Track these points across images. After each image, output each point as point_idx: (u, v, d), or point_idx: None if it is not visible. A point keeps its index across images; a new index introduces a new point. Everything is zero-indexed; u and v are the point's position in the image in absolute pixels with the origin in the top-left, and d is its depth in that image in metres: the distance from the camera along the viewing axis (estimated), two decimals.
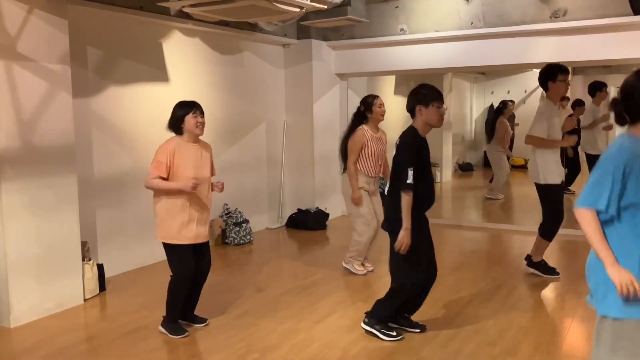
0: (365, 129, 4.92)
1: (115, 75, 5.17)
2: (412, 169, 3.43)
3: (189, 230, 3.77)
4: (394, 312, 3.76)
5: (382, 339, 3.68)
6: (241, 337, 3.79)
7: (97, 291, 4.66)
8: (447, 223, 7.54)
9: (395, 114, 10.21)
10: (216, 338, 3.78)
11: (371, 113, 4.93)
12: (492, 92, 13.59)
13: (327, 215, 7.24)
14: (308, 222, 7.06)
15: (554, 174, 4.80)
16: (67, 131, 4.29)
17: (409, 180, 3.42)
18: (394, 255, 3.61)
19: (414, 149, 3.51)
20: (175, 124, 3.81)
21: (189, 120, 3.76)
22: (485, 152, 9.94)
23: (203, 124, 3.82)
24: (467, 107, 13.72)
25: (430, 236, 3.74)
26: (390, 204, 3.60)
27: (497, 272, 5.19)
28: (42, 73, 4.08)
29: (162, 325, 3.89)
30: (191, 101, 3.86)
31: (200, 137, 3.88)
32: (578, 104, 8.89)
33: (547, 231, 4.89)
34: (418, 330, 3.81)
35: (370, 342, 3.68)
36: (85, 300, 4.50)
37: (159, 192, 3.79)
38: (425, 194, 3.58)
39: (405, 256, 3.53)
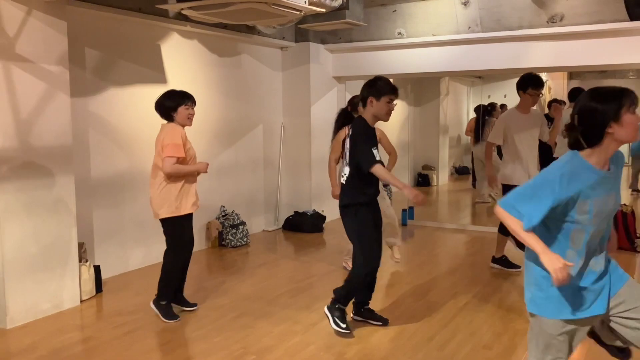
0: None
1: (113, 77, 5.17)
2: (375, 148, 3.60)
3: (188, 201, 4.02)
4: (352, 298, 3.93)
5: (332, 327, 3.81)
6: (237, 339, 3.79)
7: (94, 292, 4.65)
8: (443, 226, 7.56)
9: (392, 117, 10.23)
10: (212, 340, 3.79)
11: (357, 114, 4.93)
12: (489, 96, 13.63)
13: (323, 217, 7.25)
14: (305, 225, 7.07)
15: (510, 175, 4.96)
16: (64, 132, 4.29)
17: (377, 158, 3.57)
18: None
19: (368, 134, 3.66)
20: (166, 112, 3.91)
21: (182, 112, 3.92)
22: (472, 154, 9.97)
23: (193, 115, 4.04)
24: (464, 111, 13.75)
25: (372, 222, 3.77)
26: (344, 192, 3.77)
27: (493, 275, 5.21)
28: (40, 74, 4.08)
29: (156, 305, 4.06)
30: (183, 92, 4.00)
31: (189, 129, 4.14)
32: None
33: (504, 227, 5.02)
34: (380, 324, 3.95)
35: (367, 345, 3.70)
36: (81, 301, 4.50)
37: (172, 176, 3.95)
38: (368, 188, 3.72)
39: (356, 240, 3.73)
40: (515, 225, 2.13)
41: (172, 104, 3.94)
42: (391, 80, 3.88)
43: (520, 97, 4.96)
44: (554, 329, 2.20)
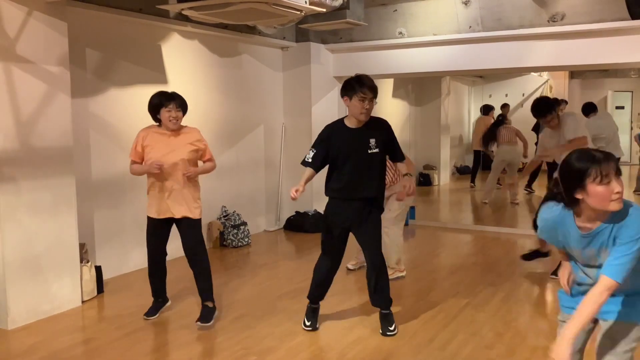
0: None
1: (114, 78, 5.17)
2: (313, 150, 3.71)
3: (152, 205, 4.03)
4: (314, 294, 4.02)
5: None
6: (238, 339, 3.79)
7: (95, 293, 4.66)
8: (444, 226, 7.55)
9: (393, 117, 10.24)
10: (213, 341, 3.78)
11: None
12: (490, 96, 13.65)
13: None
14: (306, 225, 7.06)
15: None
16: (65, 133, 4.29)
17: (307, 159, 3.73)
18: None
19: (321, 135, 3.75)
20: (152, 115, 3.95)
21: (163, 113, 3.89)
22: (488, 154, 9.87)
23: (177, 118, 3.90)
24: (465, 110, 13.77)
25: (340, 219, 3.78)
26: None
27: (494, 275, 5.21)
28: (41, 75, 4.08)
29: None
30: (168, 93, 3.94)
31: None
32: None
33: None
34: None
35: (368, 344, 3.69)
36: (83, 302, 4.50)
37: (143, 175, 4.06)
38: (335, 183, 3.77)
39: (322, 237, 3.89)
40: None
41: (155, 104, 3.91)
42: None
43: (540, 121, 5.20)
44: None
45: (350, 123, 3.71)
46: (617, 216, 2.05)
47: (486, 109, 11.01)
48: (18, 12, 3.92)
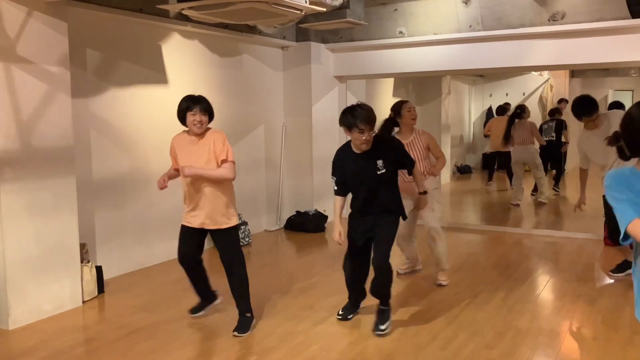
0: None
1: (115, 78, 5.17)
2: (334, 178, 3.90)
3: (186, 213, 3.91)
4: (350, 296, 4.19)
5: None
6: (239, 339, 3.79)
7: (96, 293, 4.66)
8: (445, 225, 7.54)
9: None
10: (214, 340, 3.78)
11: (401, 118, 4.86)
12: (491, 95, 13.63)
13: (325, 217, 7.24)
14: (306, 225, 7.06)
15: None
16: (66, 133, 4.29)
17: (334, 187, 3.92)
18: None
19: (334, 163, 3.91)
20: (180, 119, 3.83)
21: (188, 117, 3.76)
22: (506, 154, 9.60)
23: (201, 122, 3.73)
24: (466, 110, 13.75)
25: (359, 233, 3.91)
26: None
27: (495, 274, 5.20)
28: (42, 75, 4.08)
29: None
30: (194, 97, 3.80)
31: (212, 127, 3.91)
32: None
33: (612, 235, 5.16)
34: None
35: (369, 344, 3.69)
36: (83, 302, 4.50)
37: None
38: (354, 202, 3.93)
39: None
40: None
41: (182, 108, 3.78)
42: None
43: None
44: None
45: (356, 148, 3.80)
46: None
47: (502, 110, 10.65)
48: (18, 13, 3.92)
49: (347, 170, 3.84)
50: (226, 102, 6.50)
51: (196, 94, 3.89)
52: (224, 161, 3.76)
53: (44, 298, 4.19)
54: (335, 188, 3.92)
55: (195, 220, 3.84)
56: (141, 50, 5.43)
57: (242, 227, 6.40)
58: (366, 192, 3.81)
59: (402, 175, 4.65)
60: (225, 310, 4.31)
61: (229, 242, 3.93)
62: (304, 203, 7.38)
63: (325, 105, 7.48)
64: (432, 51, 6.75)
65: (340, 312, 4.15)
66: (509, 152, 8.95)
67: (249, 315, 3.96)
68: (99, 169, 5.05)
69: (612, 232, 5.11)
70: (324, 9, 4.74)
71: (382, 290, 3.90)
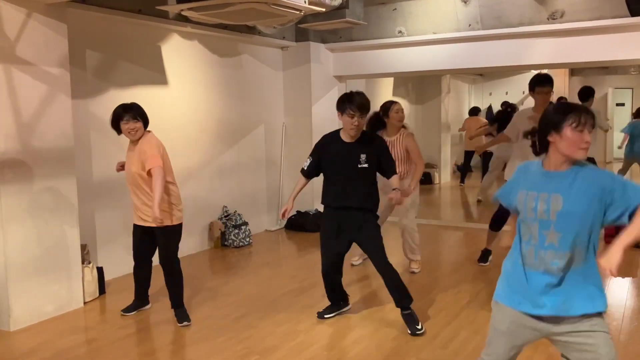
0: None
1: (114, 78, 5.18)
2: (310, 159, 3.95)
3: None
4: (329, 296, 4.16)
5: None
6: (240, 339, 3.80)
7: (97, 294, 4.66)
8: (446, 224, 7.55)
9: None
10: (215, 340, 3.79)
11: (388, 118, 5.00)
12: (490, 94, 13.65)
13: None
14: (307, 224, 7.07)
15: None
16: (66, 134, 4.30)
17: (304, 166, 3.98)
18: None
19: (317, 145, 3.97)
20: (114, 128, 3.99)
21: (122, 126, 3.92)
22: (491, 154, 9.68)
23: (134, 129, 3.88)
24: (466, 109, 13.75)
25: (329, 226, 3.92)
26: None
27: (496, 273, 5.20)
28: (41, 76, 4.09)
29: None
30: (125, 105, 3.94)
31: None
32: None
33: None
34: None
35: (370, 343, 3.70)
36: (85, 303, 4.50)
37: None
38: (327, 192, 3.92)
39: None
40: None
41: (114, 120, 3.93)
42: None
43: (533, 98, 4.90)
44: None
45: (345, 136, 3.85)
46: (577, 166, 2.18)
47: (474, 111, 11.15)
48: (18, 14, 3.93)
49: (330, 154, 3.87)
50: (226, 102, 6.50)
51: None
52: (149, 171, 3.83)
53: (45, 299, 4.19)
54: (304, 168, 3.98)
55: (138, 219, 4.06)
56: (141, 51, 5.43)
57: (243, 227, 6.41)
58: (343, 181, 3.80)
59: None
60: (227, 311, 4.32)
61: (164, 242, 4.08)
62: (304, 203, 7.37)
63: (325, 105, 7.48)
64: (431, 50, 6.76)
65: (319, 311, 4.17)
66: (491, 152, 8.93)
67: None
68: (99, 170, 5.06)
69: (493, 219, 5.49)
70: (323, 9, 4.74)
71: (399, 289, 3.86)
